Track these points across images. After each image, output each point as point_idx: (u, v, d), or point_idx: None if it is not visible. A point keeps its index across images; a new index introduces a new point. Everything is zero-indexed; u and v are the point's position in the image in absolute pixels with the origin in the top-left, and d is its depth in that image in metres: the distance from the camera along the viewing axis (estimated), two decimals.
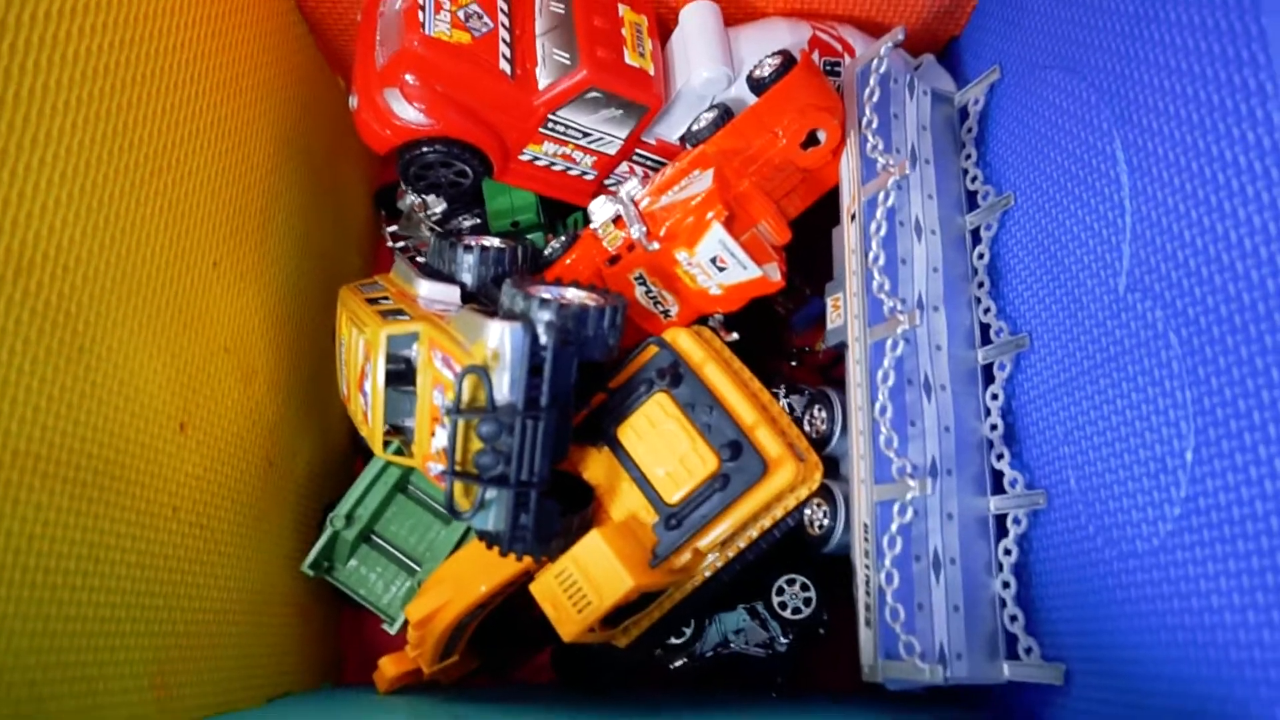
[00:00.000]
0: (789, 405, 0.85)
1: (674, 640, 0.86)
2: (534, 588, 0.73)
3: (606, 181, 0.93)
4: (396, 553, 0.92)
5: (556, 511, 0.69)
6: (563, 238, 0.85)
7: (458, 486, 0.67)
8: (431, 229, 1.04)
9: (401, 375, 0.74)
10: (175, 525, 0.69)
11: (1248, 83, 0.47)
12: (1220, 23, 0.49)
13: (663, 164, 0.90)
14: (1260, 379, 0.46)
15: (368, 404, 0.76)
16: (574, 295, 0.71)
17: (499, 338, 0.64)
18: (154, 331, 0.67)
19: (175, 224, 0.70)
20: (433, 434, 0.69)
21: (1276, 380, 0.45)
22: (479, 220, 1.02)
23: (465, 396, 0.64)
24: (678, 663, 0.88)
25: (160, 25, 0.68)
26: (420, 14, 0.78)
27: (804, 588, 0.86)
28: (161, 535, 0.68)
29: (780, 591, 0.86)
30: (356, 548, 0.92)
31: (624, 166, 0.91)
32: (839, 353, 0.80)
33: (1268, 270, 0.46)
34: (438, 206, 1.04)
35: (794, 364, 1.02)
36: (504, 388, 0.64)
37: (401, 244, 1.08)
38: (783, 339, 1.03)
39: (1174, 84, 0.54)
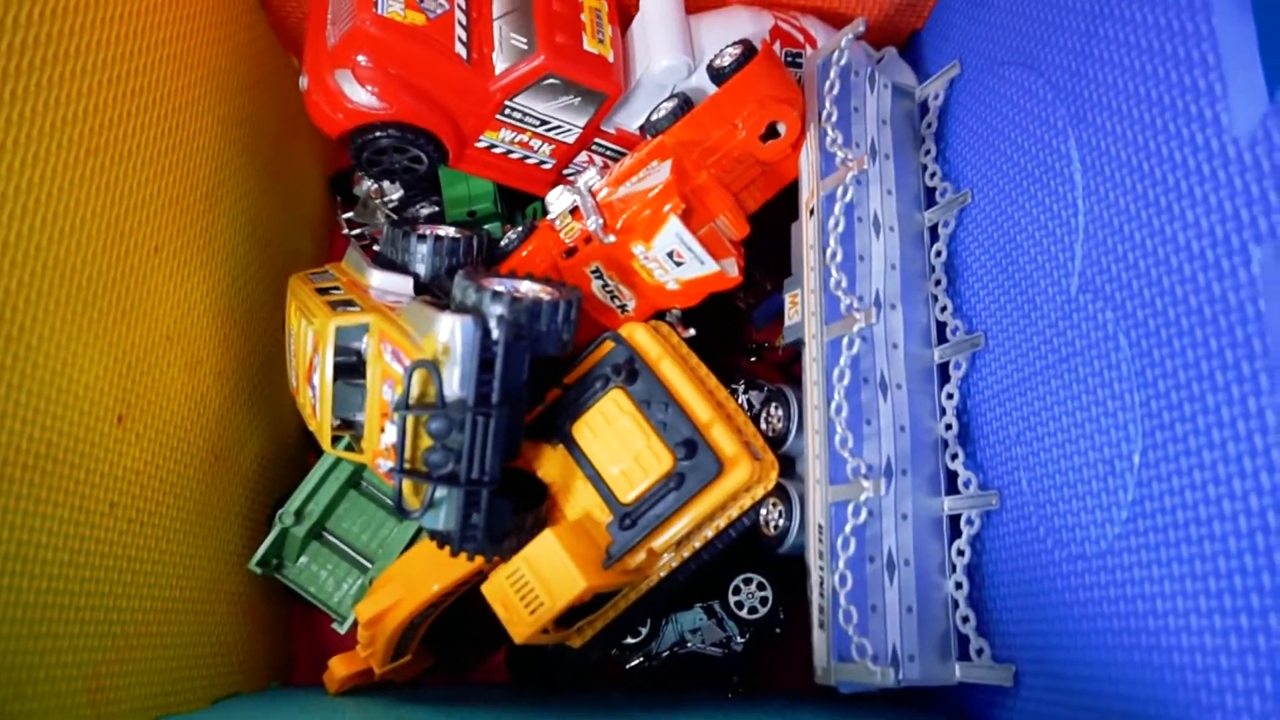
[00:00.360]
0: (748, 401, 0.84)
1: (630, 640, 0.85)
2: (486, 588, 0.72)
3: (566, 171, 0.91)
4: (348, 550, 0.90)
5: (508, 510, 0.68)
6: (520, 228, 0.84)
7: (407, 484, 0.65)
8: (387, 216, 1.02)
9: (352, 368, 0.72)
10: (112, 522, 0.67)
11: (1198, 84, 0.46)
12: (1173, 22, 0.49)
13: (623, 153, 0.89)
14: (1205, 383, 0.46)
15: (316, 397, 0.74)
16: (528, 289, 0.70)
17: (450, 331, 0.62)
18: (90, 319, 0.65)
19: (113, 207, 0.67)
20: (382, 430, 0.68)
21: (1220, 384, 0.45)
22: (437, 208, 1.00)
23: (414, 392, 0.63)
24: (634, 662, 0.87)
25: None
26: None
27: (760, 587, 0.85)
28: (97, 532, 0.65)
29: (737, 591, 0.85)
30: (307, 544, 0.90)
31: (583, 156, 0.90)
32: (798, 349, 0.79)
33: (1214, 274, 0.45)
34: (394, 193, 1.02)
35: (753, 359, 1.01)
36: (454, 383, 0.62)
37: (357, 230, 1.05)
38: (743, 334, 1.02)
39: (1128, 83, 0.54)
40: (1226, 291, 0.45)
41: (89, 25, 0.64)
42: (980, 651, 0.67)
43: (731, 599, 0.85)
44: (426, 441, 0.63)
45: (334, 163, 1.13)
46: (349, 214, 1.05)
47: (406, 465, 0.64)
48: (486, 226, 0.94)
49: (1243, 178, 0.43)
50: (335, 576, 0.90)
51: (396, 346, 0.65)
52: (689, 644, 0.87)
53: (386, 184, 1.00)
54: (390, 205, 1.02)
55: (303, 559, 0.90)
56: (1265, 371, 0.42)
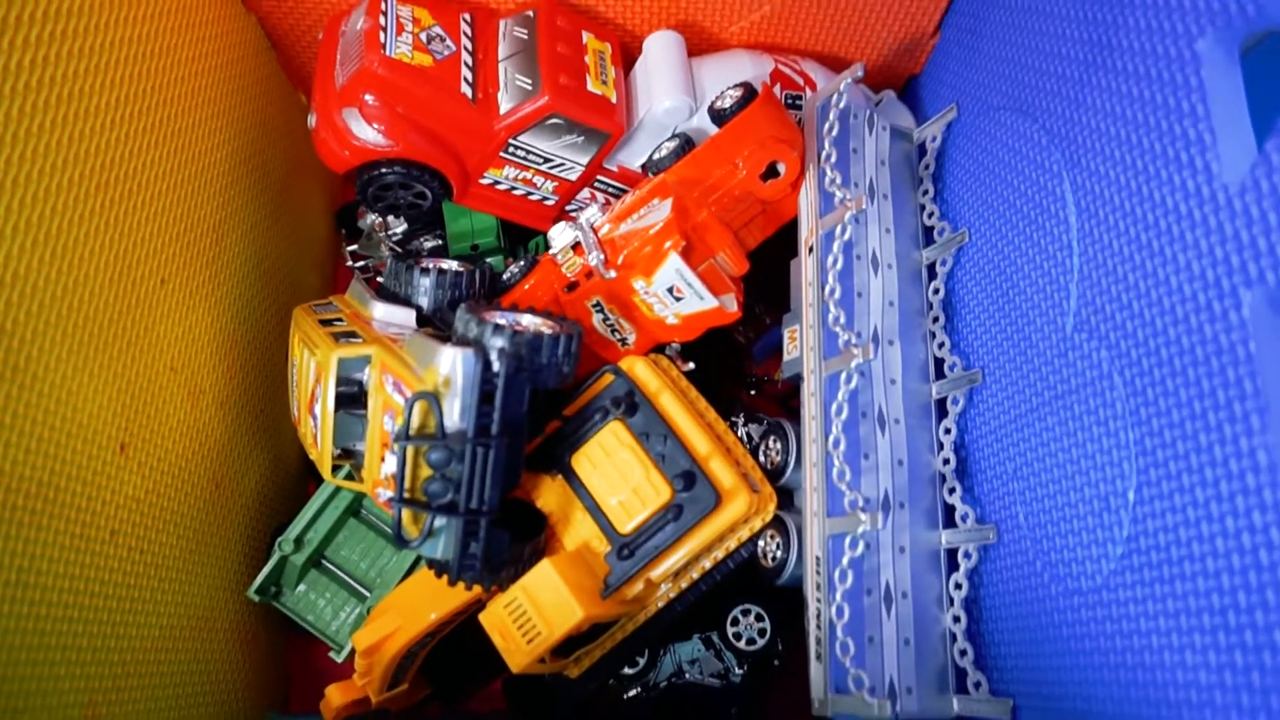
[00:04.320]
0: (747, 434, 0.85)
1: (628, 670, 0.85)
2: (483, 617, 0.72)
3: (568, 207, 0.93)
4: (347, 578, 0.90)
5: (506, 540, 0.68)
6: (522, 262, 0.85)
7: (406, 513, 0.66)
8: (391, 249, 1.03)
9: (353, 398, 0.73)
10: (113, 549, 0.67)
11: (1188, 133, 0.48)
12: (1163, 73, 0.50)
13: (624, 191, 0.90)
14: (1198, 422, 0.47)
15: (317, 427, 0.74)
16: (529, 322, 0.71)
17: (451, 364, 0.63)
18: (95, 350, 0.66)
19: (120, 240, 0.68)
20: (382, 459, 0.68)
21: (1213, 424, 0.46)
22: (440, 241, 1.01)
23: (415, 422, 0.63)
24: (631, 692, 0.87)
25: (110, 37, 0.66)
26: (381, 35, 0.78)
27: (759, 618, 0.85)
28: (98, 560, 0.66)
29: (735, 622, 0.85)
30: (306, 573, 0.90)
31: (586, 193, 0.91)
32: (797, 383, 0.80)
33: (1205, 316, 0.46)
34: (398, 226, 1.03)
35: (753, 393, 1.02)
36: (454, 414, 0.63)
37: (361, 263, 1.07)
38: (742, 367, 1.03)
39: (1121, 130, 0.55)
40: (1218, 333, 0.46)
41: (100, 66, 0.65)
42: (978, 685, 0.67)
43: (729, 630, 0.85)
44: (426, 471, 0.64)
45: (339, 197, 1.15)
46: (353, 247, 1.07)
47: (406, 495, 0.64)
48: (489, 260, 0.95)
49: (1233, 224, 0.44)
50: (333, 605, 0.90)
51: (398, 378, 0.66)
52: (687, 675, 0.87)
53: (390, 218, 1.01)
54: (394, 239, 1.03)
55: (301, 587, 0.90)
56: (1256, 412, 0.43)
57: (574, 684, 0.80)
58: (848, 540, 0.68)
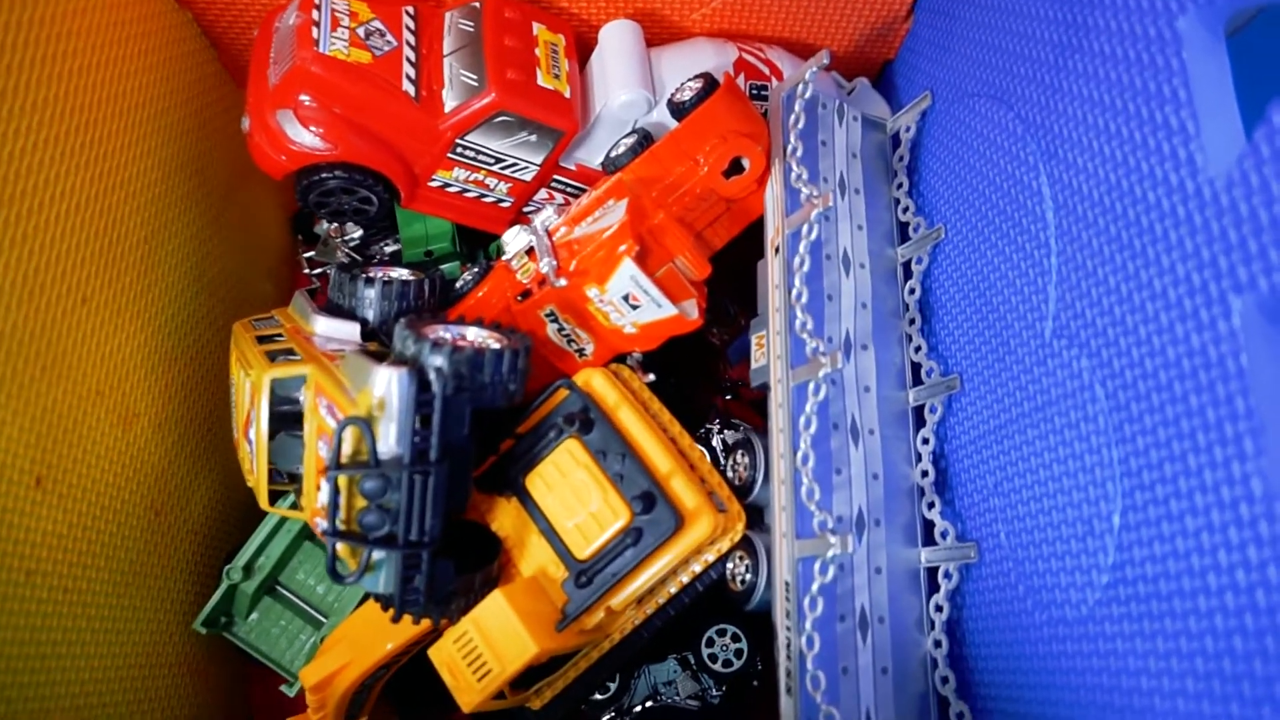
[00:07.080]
0: (722, 441, 0.80)
1: (598, 696, 0.81)
2: (432, 653, 0.68)
3: (526, 209, 0.88)
4: (302, 604, 0.86)
5: (452, 570, 0.64)
6: (476, 269, 0.80)
7: (342, 547, 0.61)
8: (348, 255, 0.99)
9: (296, 418, 0.69)
10: (30, 591, 0.63)
11: (1169, 121, 0.43)
12: (1143, 56, 0.45)
13: (584, 190, 0.85)
14: (1185, 442, 0.42)
15: (253, 452, 0.70)
16: (475, 336, 0.66)
17: (385, 385, 0.58)
18: (5, 376, 0.61)
19: (33, 256, 0.64)
20: (318, 487, 0.64)
21: (1202, 445, 0.41)
22: (399, 245, 0.96)
23: (346, 450, 0.59)
24: (605, 718, 0.82)
25: (22, 36, 0.62)
26: (314, 30, 0.73)
27: (735, 638, 0.81)
28: (13, 604, 0.61)
29: (710, 643, 0.81)
30: (258, 600, 0.85)
31: (544, 193, 0.87)
32: (767, 392, 0.75)
33: (1192, 325, 0.42)
34: (355, 231, 0.99)
35: (728, 397, 0.97)
36: (390, 439, 0.59)
37: (319, 270, 1.02)
38: (717, 370, 0.98)
39: (1098, 118, 0.50)
40: (1206, 344, 0.41)
41: (9, 66, 0.61)
42: (961, 715, 0.62)
43: (705, 651, 0.81)
44: (361, 502, 0.60)
45: (295, 201, 1.10)
46: (310, 254, 1.02)
47: (341, 527, 0.60)
48: (444, 267, 0.90)
49: (1219, 222, 0.39)
50: (288, 634, 0.85)
51: (331, 400, 0.61)
52: (662, 697, 0.83)
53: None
54: (351, 244, 0.99)
55: (253, 616, 0.85)
56: (1250, 434, 0.38)
57: (538, 716, 0.76)
58: (817, 565, 0.63)
